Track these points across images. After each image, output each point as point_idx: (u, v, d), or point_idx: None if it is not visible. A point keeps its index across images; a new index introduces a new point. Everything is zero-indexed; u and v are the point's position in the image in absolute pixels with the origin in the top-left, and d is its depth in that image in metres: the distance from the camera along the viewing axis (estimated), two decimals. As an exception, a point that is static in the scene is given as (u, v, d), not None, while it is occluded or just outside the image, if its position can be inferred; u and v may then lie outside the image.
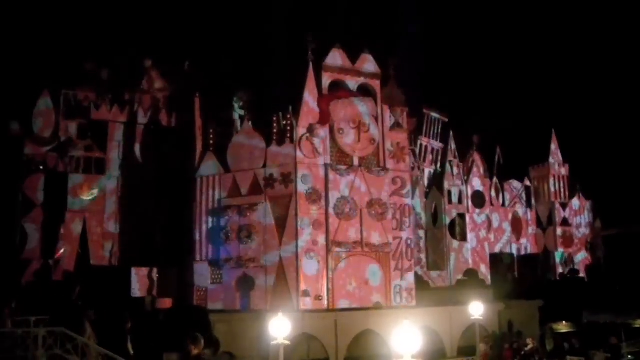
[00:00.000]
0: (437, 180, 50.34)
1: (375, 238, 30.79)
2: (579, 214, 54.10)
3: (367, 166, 31.41)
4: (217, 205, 31.55)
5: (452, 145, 50.74)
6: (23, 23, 46.84)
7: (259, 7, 45.71)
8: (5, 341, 21.12)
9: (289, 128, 30.53)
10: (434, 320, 28.59)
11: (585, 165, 54.59)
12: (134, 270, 33.73)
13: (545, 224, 53.56)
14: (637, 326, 31.61)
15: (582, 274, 47.93)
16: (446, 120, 55.19)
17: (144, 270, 34.16)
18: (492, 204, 50.84)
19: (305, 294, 28.74)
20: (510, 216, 52.47)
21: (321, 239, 29.67)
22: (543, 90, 64.25)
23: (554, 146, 54.47)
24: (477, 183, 49.83)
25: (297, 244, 29.19)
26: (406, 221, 32.41)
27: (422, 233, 46.94)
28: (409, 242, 32.32)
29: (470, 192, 49.06)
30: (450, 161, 49.61)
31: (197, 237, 32.07)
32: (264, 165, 30.62)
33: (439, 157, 53.96)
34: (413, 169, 44.74)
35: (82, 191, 37.73)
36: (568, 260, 52.30)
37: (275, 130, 30.91)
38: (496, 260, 44.93)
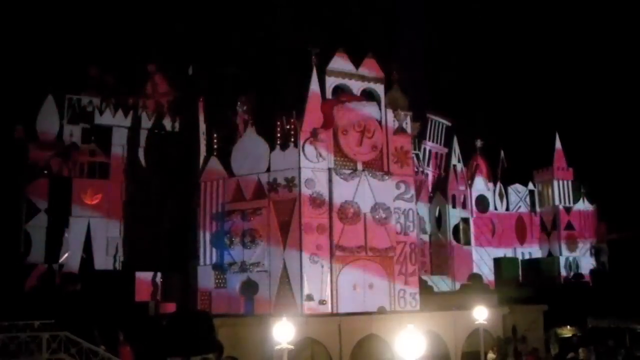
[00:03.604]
0: (441, 184, 50.33)
1: (379, 242, 30.74)
2: (583, 218, 53.96)
3: (371, 170, 31.39)
4: (221, 210, 31.58)
5: (456, 149, 50.74)
6: (27, 28, 46.97)
7: (262, 12, 45.77)
8: (10, 345, 21.15)
9: (292, 132, 30.54)
10: (438, 324, 28.53)
11: (589, 169, 54.47)
12: (138, 275, 33.75)
13: (549, 228, 53.45)
14: (642, 331, 31.55)
15: (586, 279, 47.78)
16: (450, 124, 55.20)
17: (148, 275, 34.19)
18: (496, 208, 50.81)
19: (309, 298, 28.71)
20: (514, 220, 52.44)
21: (325, 244, 29.63)
22: (547, 94, 64.18)
23: (558, 150, 54.36)
24: (481, 187, 49.80)
25: (301, 249, 29.16)
26: (410, 225, 32.37)
27: (426, 237, 46.90)
28: (412, 246, 32.27)
29: (474, 197, 49.01)
30: (454, 165, 49.60)
31: (201, 241, 32.09)
32: (268, 170, 30.62)
33: (443, 162, 53.95)
34: (417, 173, 44.73)
35: (86, 196, 37.83)
36: (572, 265, 52.17)
37: (279, 135, 30.93)
38: (501, 264, 44.80)
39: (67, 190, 37.54)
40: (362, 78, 32.35)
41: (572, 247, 52.65)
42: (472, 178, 49.75)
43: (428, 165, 53.51)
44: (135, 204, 38.53)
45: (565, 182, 54.13)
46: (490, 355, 27.44)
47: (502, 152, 53.86)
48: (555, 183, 53.73)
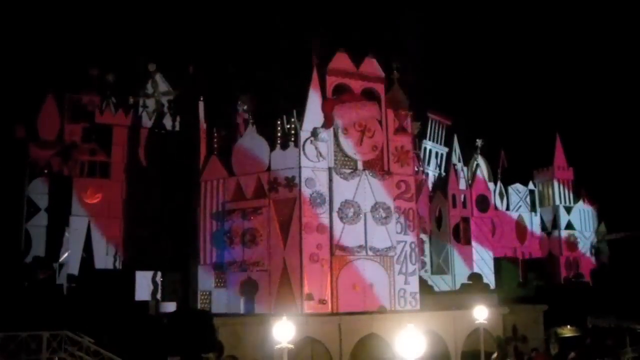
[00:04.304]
0: (441, 184, 50.33)
1: (379, 242, 30.72)
2: (583, 218, 53.98)
3: (371, 170, 31.38)
4: (221, 209, 31.56)
5: (456, 149, 50.73)
6: (28, 28, 47.00)
7: (263, 11, 45.78)
8: (10, 344, 21.17)
9: (293, 132, 30.53)
10: (438, 324, 28.54)
11: (589, 169, 54.48)
12: (138, 274, 33.76)
13: (549, 228, 53.48)
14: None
15: (586, 279, 47.80)
16: (450, 124, 55.20)
17: (148, 274, 34.20)
18: (496, 208, 50.79)
19: (309, 297, 28.69)
20: (514, 220, 52.45)
21: (325, 243, 29.61)
22: (547, 93, 64.21)
23: (558, 150, 54.39)
24: (481, 187, 49.77)
25: (301, 248, 29.14)
26: (410, 225, 32.38)
27: (426, 237, 46.89)
28: (413, 245, 32.27)
29: (474, 196, 49.01)
30: (454, 165, 49.60)
31: (201, 240, 32.07)
32: (268, 169, 30.62)
33: (443, 161, 53.96)
34: (417, 172, 44.69)
35: (86, 195, 37.83)
36: (572, 265, 52.19)
37: (279, 134, 30.92)
38: (501, 264, 44.80)
39: (68, 190, 37.55)
40: (363, 77, 32.31)
41: (572, 247, 52.64)
42: (472, 178, 49.76)
43: (428, 164, 53.51)
44: (136, 203, 38.52)
45: (565, 182, 54.15)
46: (495, 356, 27.47)
47: (502, 152, 53.85)
48: (556, 183, 53.77)
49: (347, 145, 31.07)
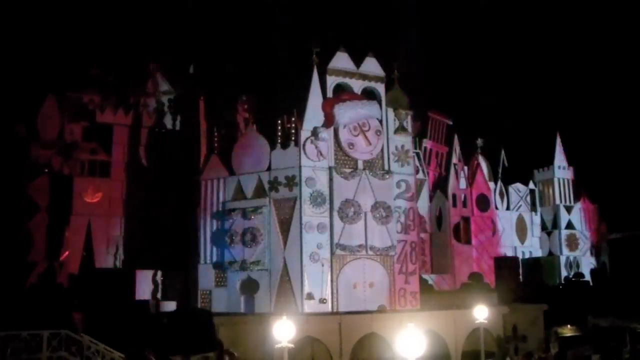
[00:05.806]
0: (441, 183, 50.31)
1: (380, 241, 30.75)
2: (583, 218, 53.94)
3: (372, 169, 31.40)
4: (222, 208, 31.59)
5: (457, 148, 50.68)
6: (28, 27, 46.97)
7: (263, 11, 45.76)
8: (11, 343, 21.19)
9: (293, 131, 30.54)
10: (438, 323, 28.53)
11: (590, 168, 54.44)
12: (138, 273, 33.76)
13: (550, 227, 53.44)
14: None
15: (587, 278, 47.78)
16: (450, 123, 55.16)
17: (149, 273, 34.20)
18: (496, 208, 50.78)
19: (309, 297, 28.73)
20: (514, 220, 52.43)
21: (325, 242, 29.64)
22: (548, 93, 64.13)
23: (558, 149, 54.33)
24: (481, 186, 49.75)
25: (301, 247, 29.17)
26: (410, 224, 32.40)
27: (426, 236, 46.87)
28: (413, 245, 32.27)
29: (474, 196, 48.99)
30: (454, 164, 49.57)
31: (202, 240, 32.11)
32: (269, 169, 30.64)
33: (444, 161, 53.92)
34: (417, 172, 44.68)
35: (86, 194, 37.83)
36: (573, 264, 52.16)
37: (279, 133, 30.92)
38: (501, 264, 44.79)
39: (68, 189, 37.55)
40: (363, 77, 32.34)
41: (572, 246, 52.59)
42: (472, 177, 49.74)
43: (429, 164, 53.50)
44: (136, 202, 38.52)
45: (566, 181, 54.12)
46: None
47: (502, 151, 53.83)
48: (556, 182, 53.72)
49: (348, 144, 30.98)
